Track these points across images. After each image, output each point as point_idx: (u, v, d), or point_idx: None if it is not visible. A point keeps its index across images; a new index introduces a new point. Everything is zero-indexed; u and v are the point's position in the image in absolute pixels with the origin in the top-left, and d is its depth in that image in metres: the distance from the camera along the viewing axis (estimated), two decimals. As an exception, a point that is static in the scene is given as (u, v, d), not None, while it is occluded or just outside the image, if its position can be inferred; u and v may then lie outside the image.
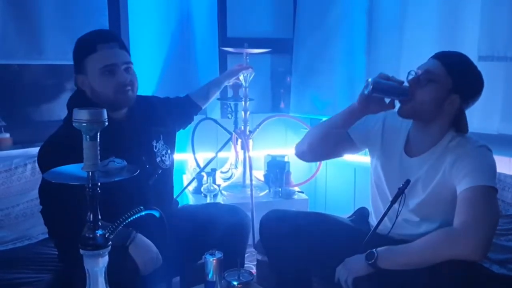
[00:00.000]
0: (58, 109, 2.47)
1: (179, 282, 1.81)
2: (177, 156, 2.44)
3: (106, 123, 0.96)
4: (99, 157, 0.97)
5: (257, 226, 1.74)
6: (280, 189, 2.55)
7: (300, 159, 1.71)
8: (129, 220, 1.05)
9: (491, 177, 1.37)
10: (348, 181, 2.81)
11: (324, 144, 1.61)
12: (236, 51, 2.40)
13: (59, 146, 1.43)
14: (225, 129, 2.57)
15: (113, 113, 1.53)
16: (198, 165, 2.63)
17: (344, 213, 1.83)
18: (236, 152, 2.60)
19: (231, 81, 2.29)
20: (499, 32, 1.92)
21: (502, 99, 2.01)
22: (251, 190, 2.34)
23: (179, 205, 1.94)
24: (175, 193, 2.05)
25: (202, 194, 2.46)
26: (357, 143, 1.65)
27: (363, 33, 2.54)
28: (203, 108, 2.10)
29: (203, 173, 2.52)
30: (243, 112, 2.46)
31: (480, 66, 1.48)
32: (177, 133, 1.88)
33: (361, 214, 1.77)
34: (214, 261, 1.36)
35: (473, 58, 1.51)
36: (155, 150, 1.68)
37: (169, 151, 1.74)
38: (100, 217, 1.00)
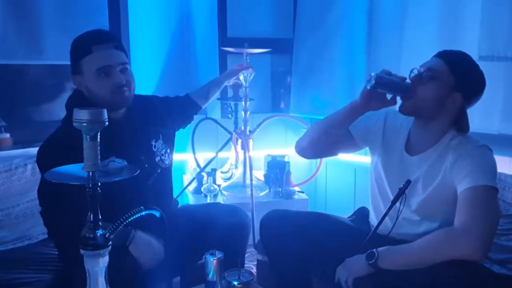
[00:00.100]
0: (58, 109, 2.46)
1: (180, 282, 1.82)
2: (177, 156, 2.45)
3: (107, 123, 0.96)
4: (99, 157, 0.97)
5: (257, 226, 1.74)
6: (280, 189, 2.55)
7: (301, 155, 1.71)
8: (130, 220, 1.05)
9: (491, 177, 1.37)
10: (348, 181, 2.81)
11: (325, 141, 1.61)
12: (236, 51, 2.40)
13: (59, 147, 1.43)
14: (225, 129, 2.57)
15: (111, 113, 1.52)
16: (198, 165, 2.63)
17: (344, 213, 1.83)
18: (236, 152, 2.60)
19: (231, 81, 2.29)
20: (499, 32, 1.92)
21: (502, 99, 2.01)
22: (251, 190, 2.34)
23: (179, 205, 1.94)
24: (175, 193, 2.05)
25: (202, 194, 2.46)
26: (358, 141, 1.65)
27: (363, 33, 2.54)
28: (203, 107, 2.10)
29: (203, 173, 2.52)
30: (243, 112, 2.46)
31: (480, 66, 1.48)
32: (177, 133, 1.88)
33: (361, 214, 1.77)
34: (215, 261, 1.36)
35: (473, 58, 1.51)
36: (154, 150, 1.68)
37: (168, 151, 1.74)
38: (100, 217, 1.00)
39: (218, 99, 2.54)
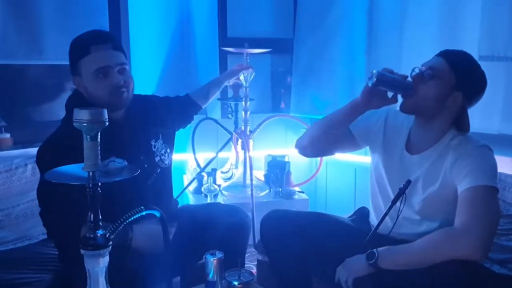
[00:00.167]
0: (58, 109, 2.46)
1: (180, 282, 1.81)
2: (177, 156, 2.45)
3: (107, 123, 0.96)
4: (99, 157, 0.97)
5: (257, 226, 1.74)
6: (280, 189, 2.55)
7: (301, 154, 1.71)
8: (130, 220, 1.05)
9: (492, 177, 1.37)
10: (349, 181, 2.81)
11: (325, 139, 1.61)
12: (237, 51, 2.40)
13: (58, 147, 1.43)
14: (226, 129, 2.57)
15: (110, 113, 1.53)
16: (198, 165, 2.63)
17: (345, 213, 1.83)
18: (237, 152, 2.61)
19: (231, 81, 2.29)
20: (499, 32, 1.92)
21: (502, 99, 2.01)
22: (252, 190, 2.34)
23: (179, 205, 1.94)
24: (175, 193, 2.05)
25: (203, 194, 2.46)
26: (358, 140, 1.65)
27: (363, 33, 2.54)
28: (203, 107, 2.10)
29: (203, 173, 2.52)
30: (243, 112, 2.46)
31: (481, 66, 1.48)
32: (177, 133, 1.88)
33: (362, 214, 1.77)
34: (215, 261, 1.36)
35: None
36: (154, 150, 1.68)
37: (168, 150, 1.74)
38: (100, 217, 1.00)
39: (218, 99, 2.54)
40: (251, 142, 2.50)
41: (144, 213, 1.07)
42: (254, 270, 1.98)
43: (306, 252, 1.54)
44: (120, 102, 1.55)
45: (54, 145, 1.49)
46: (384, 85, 1.43)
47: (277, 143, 2.91)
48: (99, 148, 0.97)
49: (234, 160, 2.64)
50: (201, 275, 1.41)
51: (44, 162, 1.44)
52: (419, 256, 1.35)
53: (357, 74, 2.58)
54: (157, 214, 1.12)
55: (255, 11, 2.90)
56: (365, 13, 2.52)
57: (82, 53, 1.49)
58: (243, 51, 2.35)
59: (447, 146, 1.47)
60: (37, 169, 1.55)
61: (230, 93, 2.52)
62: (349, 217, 1.79)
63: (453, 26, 2.11)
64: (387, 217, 1.49)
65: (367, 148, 1.69)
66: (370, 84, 1.42)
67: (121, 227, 1.03)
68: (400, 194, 1.45)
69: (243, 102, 2.43)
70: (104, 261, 1.00)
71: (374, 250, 1.40)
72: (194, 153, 2.61)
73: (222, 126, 2.58)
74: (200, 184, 2.53)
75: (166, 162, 1.71)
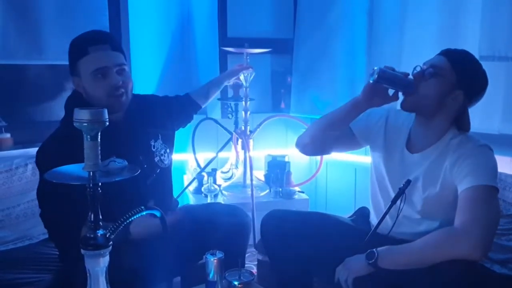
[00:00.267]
0: (58, 109, 2.46)
1: (180, 282, 1.82)
2: (178, 156, 2.45)
3: (107, 123, 0.96)
4: (100, 157, 0.97)
5: (257, 226, 1.74)
6: (280, 189, 2.55)
7: (302, 152, 1.71)
8: (130, 220, 1.05)
9: (492, 176, 1.37)
10: (349, 181, 2.81)
11: (326, 138, 1.62)
12: (237, 51, 2.40)
13: (58, 148, 1.43)
14: (226, 129, 2.57)
15: (109, 114, 1.53)
16: (198, 165, 2.63)
17: (345, 213, 1.83)
18: (237, 152, 2.60)
19: (231, 81, 2.29)
20: (500, 32, 1.92)
21: (503, 99, 2.01)
22: (252, 190, 2.34)
23: (180, 205, 1.94)
24: (176, 193, 2.05)
25: (203, 194, 2.46)
26: (359, 139, 1.65)
27: (364, 33, 2.54)
28: (202, 107, 2.10)
29: (203, 173, 2.53)
30: (243, 112, 2.46)
31: (481, 65, 1.49)
32: (177, 133, 1.88)
33: (362, 214, 1.77)
34: (215, 261, 1.36)
35: (474, 58, 1.51)
36: (153, 150, 1.68)
37: (167, 150, 1.73)
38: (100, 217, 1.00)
39: (218, 99, 2.54)
40: (251, 142, 2.50)
41: (144, 213, 1.07)
42: (255, 270, 1.98)
43: (306, 252, 1.54)
44: (117, 105, 1.54)
45: (53, 146, 1.49)
46: (385, 82, 1.43)
47: (277, 143, 2.91)
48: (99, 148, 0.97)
49: (234, 160, 2.64)
50: (202, 275, 1.41)
51: (44, 163, 1.44)
52: (419, 256, 1.35)
53: (357, 74, 2.58)
54: (157, 214, 1.12)
55: (255, 11, 2.90)
56: (365, 13, 2.52)
57: (81, 54, 1.49)
58: (243, 51, 2.35)
59: (447, 145, 1.47)
60: (37, 169, 1.55)
61: (230, 93, 2.52)
62: (349, 217, 1.79)
63: (453, 26, 2.11)
64: (387, 216, 1.49)
65: (367, 147, 1.69)
66: (371, 81, 1.42)
67: (121, 227, 1.03)
68: (400, 194, 1.45)
69: (243, 102, 2.43)
70: (105, 261, 1.00)
71: (374, 250, 1.40)
72: (194, 153, 2.61)
73: (222, 126, 2.58)
74: (200, 184, 2.53)
75: (166, 162, 1.71)
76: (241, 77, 2.34)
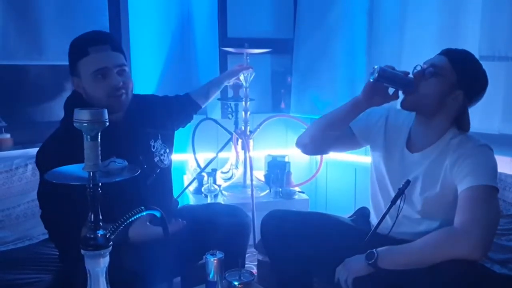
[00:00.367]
0: (58, 109, 2.44)
1: (180, 282, 1.82)
2: (178, 157, 2.45)
3: (107, 123, 0.96)
4: (100, 157, 0.97)
5: (257, 226, 1.74)
6: (280, 189, 2.55)
7: (302, 151, 1.71)
8: (130, 220, 1.05)
9: (492, 176, 1.37)
10: (349, 181, 2.81)
11: (326, 137, 1.62)
12: (237, 51, 2.40)
13: (58, 148, 1.43)
14: (226, 129, 2.57)
15: (109, 115, 1.53)
16: (198, 165, 2.63)
17: (345, 213, 1.83)
18: (237, 152, 2.60)
19: (231, 81, 2.28)
20: (500, 32, 1.92)
21: (503, 99, 2.01)
22: (252, 190, 2.34)
23: (180, 205, 1.94)
24: (176, 193, 2.05)
25: (203, 194, 2.46)
26: (359, 138, 1.65)
27: (364, 33, 2.54)
28: (202, 107, 2.09)
29: (203, 173, 2.52)
30: (243, 112, 2.46)
31: (481, 65, 1.49)
32: (177, 133, 1.88)
33: (362, 214, 1.77)
34: (215, 261, 1.36)
35: (474, 58, 1.51)
36: (153, 150, 1.68)
37: (167, 150, 1.73)
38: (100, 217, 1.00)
39: (218, 99, 2.54)
40: (251, 142, 2.50)
41: (144, 213, 1.07)
42: (255, 270, 1.98)
43: (306, 252, 1.54)
44: (117, 106, 1.54)
45: (53, 146, 1.49)
46: (386, 81, 1.43)
47: (277, 143, 2.91)
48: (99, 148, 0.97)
49: (234, 160, 2.64)
50: (202, 275, 1.41)
51: (44, 163, 1.44)
52: (418, 256, 1.35)
53: (357, 74, 2.58)
54: (158, 214, 1.12)
55: (255, 11, 2.90)
56: (365, 13, 2.52)
57: (81, 54, 1.49)
58: (243, 51, 2.35)
59: (447, 145, 1.47)
60: (37, 170, 1.55)
61: (230, 93, 2.52)
62: (349, 217, 1.79)
63: (453, 26, 2.11)
64: (387, 216, 1.49)
65: (367, 147, 1.69)
66: (371, 79, 1.42)
67: (121, 227, 1.03)
68: (400, 194, 1.45)
69: (243, 102, 2.43)
70: (105, 261, 1.00)
71: (374, 250, 1.40)
72: (194, 153, 2.61)
73: (222, 126, 2.58)
74: (201, 184, 2.53)
75: (166, 162, 1.71)
76: (241, 77, 2.34)
